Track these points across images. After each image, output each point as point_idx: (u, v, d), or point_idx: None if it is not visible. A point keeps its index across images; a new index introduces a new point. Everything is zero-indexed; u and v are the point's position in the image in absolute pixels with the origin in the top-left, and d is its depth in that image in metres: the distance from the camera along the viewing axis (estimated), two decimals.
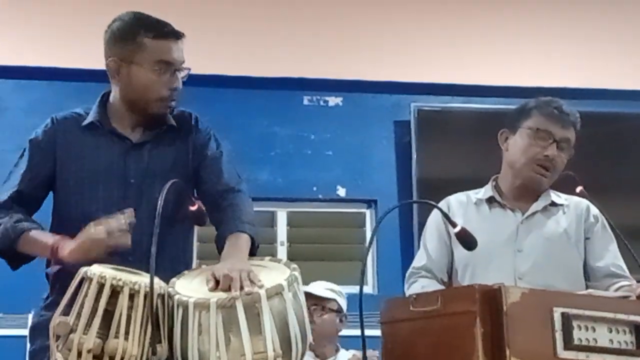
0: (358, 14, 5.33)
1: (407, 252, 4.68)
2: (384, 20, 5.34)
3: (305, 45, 5.24)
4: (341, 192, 5.20)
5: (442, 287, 2.59)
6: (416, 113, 5.19)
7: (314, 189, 5.17)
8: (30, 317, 3.24)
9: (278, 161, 5.18)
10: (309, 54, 5.24)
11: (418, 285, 2.63)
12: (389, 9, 5.34)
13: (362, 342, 2.11)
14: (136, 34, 2.35)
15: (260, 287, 1.99)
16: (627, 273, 2.60)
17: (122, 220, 2.15)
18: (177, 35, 2.38)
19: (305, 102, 5.31)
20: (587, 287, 2.55)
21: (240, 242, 2.22)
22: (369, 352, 2.95)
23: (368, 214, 5.24)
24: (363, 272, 2.21)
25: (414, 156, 5.14)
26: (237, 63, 5.16)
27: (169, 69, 2.35)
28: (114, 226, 2.13)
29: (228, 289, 1.98)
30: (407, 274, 2.73)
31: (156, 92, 2.35)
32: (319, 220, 5.25)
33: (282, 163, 5.18)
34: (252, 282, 1.99)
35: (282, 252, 5.13)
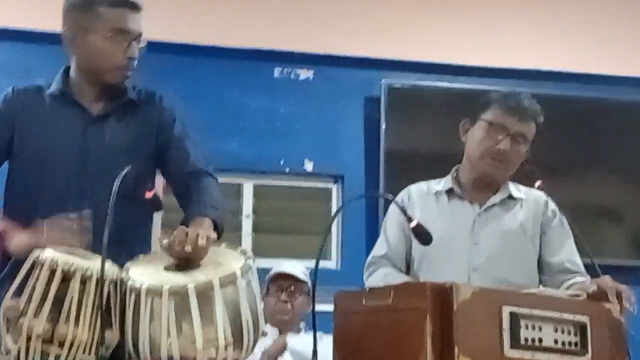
0: None
1: (372, 228, 4.69)
2: None
3: (278, 17, 5.19)
4: (308, 166, 5.18)
5: (404, 276, 2.61)
6: (386, 90, 5.17)
7: (282, 162, 5.16)
8: None
9: (247, 133, 5.14)
10: (282, 25, 5.19)
11: (380, 274, 2.65)
12: None
13: (312, 318, 2.13)
14: (92, 3, 2.35)
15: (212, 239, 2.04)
16: (582, 269, 2.63)
17: (75, 225, 2.12)
18: (133, 6, 2.38)
19: (276, 74, 5.27)
20: (541, 282, 2.58)
21: (202, 226, 2.21)
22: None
23: (335, 189, 5.24)
24: (320, 251, 2.21)
25: (383, 133, 5.13)
26: (210, 33, 5.11)
27: (125, 38, 2.35)
28: (66, 234, 2.11)
29: (182, 244, 2.02)
30: (367, 262, 2.75)
31: (112, 60, 2.35)
32: (285, 193, 5.24)
33: (251, 135, 5.14)
34: (206, 238, 2.03)
35: (247, 224, 5.13)
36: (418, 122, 5.17)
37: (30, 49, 4.78)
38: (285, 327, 3.95)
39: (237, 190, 5.15)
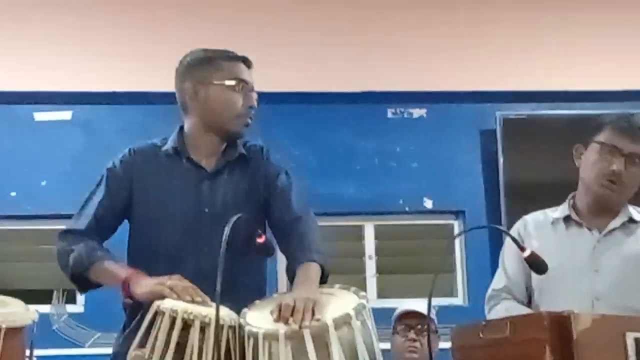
0: (439, 24, 5.30)
1: (497, 263, 4.62)
2: (465, 29, 5.30)
3: (386, 59, 5.24)
4: (428, 203, 5.17)
5: (525, 308, 2.56)
6: (502, 121, 5.12)
7: (401, 201, 5.16)
8: None
9: (363, 175, 5.19)
10: (392, 66, 5.23)
11: (502, 308, 2.60)
12: (469, 18, 5.30)
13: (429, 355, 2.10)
14: (213, 58, 2.49)
15: (317, 320, 2.00)
16: None
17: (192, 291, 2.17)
18: (247, 61, 2.51)
19: (389, 114, 5.31)
20: None
21: (309, 272, 2.24)
22: None
23: (456, 224, 5.20)
24: (432, 286, 2.19)
25: (501, 165, 5.07)
26: (321, 79, 5.20)
27: (245, 88, 2.46)
28: (187, 286, 2.16)
29: (287, 320, 2.00)
30: (487, 296, 2.71)
31: (234, 109, 2.45)
32: (406, 232, 5.23)
33: (368, 176, 5.18)
34: (313, 314, 2.01)
35: (370, 265, 5.14)
36: (536, 151, 5.08)
37: (147, 109, 4.99)
38: None
39: (359, 232, 5.18)
